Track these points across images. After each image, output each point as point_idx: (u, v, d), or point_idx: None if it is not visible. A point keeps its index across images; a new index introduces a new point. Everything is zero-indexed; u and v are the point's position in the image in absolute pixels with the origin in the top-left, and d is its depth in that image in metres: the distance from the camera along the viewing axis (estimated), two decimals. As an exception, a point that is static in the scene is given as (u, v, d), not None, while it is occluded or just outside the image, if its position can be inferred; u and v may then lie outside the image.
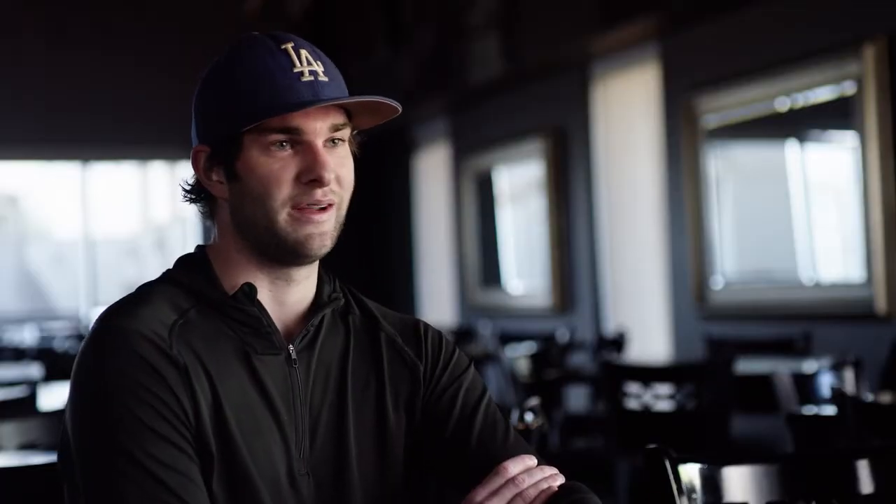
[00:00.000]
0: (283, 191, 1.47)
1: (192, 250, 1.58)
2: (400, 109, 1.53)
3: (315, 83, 1.48)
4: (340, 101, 1.48)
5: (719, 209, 6.55)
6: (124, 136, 10.36)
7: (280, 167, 1.47)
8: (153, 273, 1.57)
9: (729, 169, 6.58)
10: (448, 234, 10.09)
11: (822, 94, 5.73)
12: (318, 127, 1.48)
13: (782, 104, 6.02)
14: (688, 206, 6.68)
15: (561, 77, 7.98)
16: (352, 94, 1.52)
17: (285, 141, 1.48)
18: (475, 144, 9.35)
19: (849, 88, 5.51)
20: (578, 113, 7.85)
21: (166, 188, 11.53)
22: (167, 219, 11.69)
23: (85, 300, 10.79)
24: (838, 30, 5.61)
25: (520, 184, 8.84)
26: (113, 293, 10.25)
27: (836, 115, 5.68)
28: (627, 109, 7.50)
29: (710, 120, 6.51)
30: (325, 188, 1.48)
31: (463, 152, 9.59)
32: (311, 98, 1.46)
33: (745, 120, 6.31)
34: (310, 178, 1.47)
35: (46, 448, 2.47)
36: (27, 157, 10.84)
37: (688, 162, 6.67)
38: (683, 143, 6.69)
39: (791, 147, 6.36)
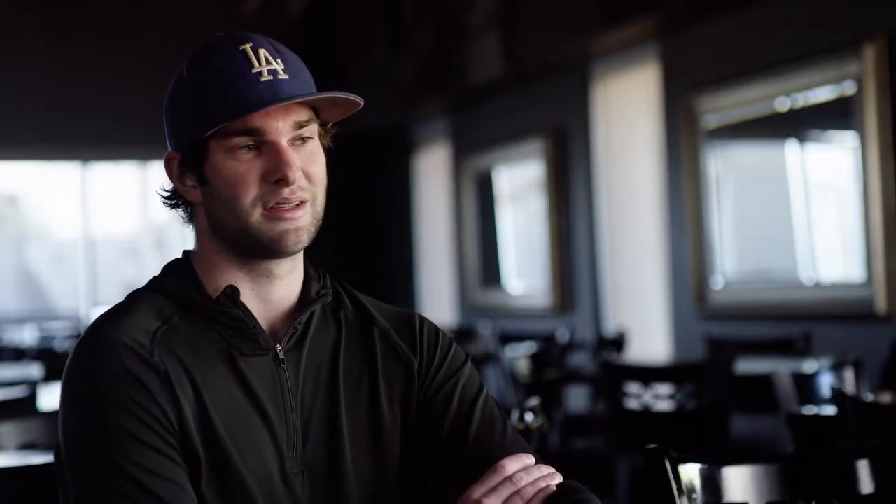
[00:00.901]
0: (251, 192, 1.48)
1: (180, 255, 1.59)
2: (361, 102, 1.52)
3: (274, 82, 1.47)
4: (295, 100, 1.47)
5: (719, 209, 6.55)
6: (124, 136, 10.35)
7: (246, 169, 1.48)
8: (153, 273, 1.58)
9: (729, 169, 6.58)
10: (448, 234, 10.09)
11: (822, 94, 5.73)
12: (281, 126, 1.48)
13: (782, 104, 6.02)
14: (688, 206, 6.68)
15: (561, 77, 7.98)
16: (321, 89, 1.51)
17: (250, 143, 1.48)
18: (475, 144, 9.34)
19: (849, 88, 5.50)
20: (578, 113, 7.85)
21: (166, 188, 11.50)
22: (167, 219, 11.68)
23: (85, 300, 10.79)
24: (838, 30, 5.61)
25: (520, 184, 8.84)
26: (113, 293, 10.25)
27: (836, 115, 5.68)
28: (627, 109, 7.50)
29: (710, 120, 6.50)
30: (293, 186, 1.48)
31: (463, 152, 9.59)
32: (270, 98, 1.46)
33: (745, 120, 6.31)
34: (276, 177, 1.47)
35: (46, 448, 2.47)
36: (27, 157, 10.83)
37: (688, 162, 6.67)
38: (683, 143, 6.69)
39: (791, 147, 6.36)
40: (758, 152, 6.71)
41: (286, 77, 1.48)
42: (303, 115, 1.50)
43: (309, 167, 1.50)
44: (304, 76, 1.51)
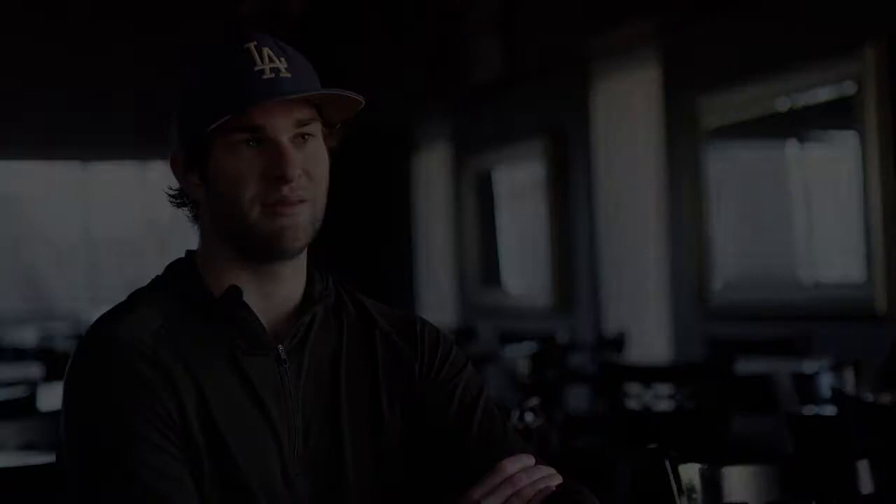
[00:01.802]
0: (251, 189, 1.48)
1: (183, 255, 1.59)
2: (362, 101, 1.52)
3: (276, 80, 1.47)
4: (294, 97, 1.47)
5: (719, 209, 6.55)
6: (124, 136, 10.35)
7: (246, 166, 1.48)
8: (154, 273, 1.58)
9: (729, 169, 6.58)
10: (448, 234, 10.09)
11: (822, 94, 5.73)
12: (282, 123, 1.48)
13: (782, 104, 6.02)
14: (688, 206, 6.68)
15: (561, 77, 7.98)
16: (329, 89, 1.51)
17: (251, 139, 1.48)
18: (475, 144, 9.34)
19: (849, 88, 5.50)
20: (578, 113, 7.85)
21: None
22: (168, 219, 11.68)
23: (85, 300, 10.78)
24: (838, 30, 5.61)
25: (520, 184, 8.83)
26: (113, 293, 10.24)
27: (836, 115, 5.68)
28: (627, 109, 7.50)
29: (711, 120, 6.50)
30: (293, 184, 1.48)
31: (463, 152, 9.59)
32: (271, 94, 1.46)
33: (745, 120, 6.31)
34: (275, 174, 1.47)
35: (46, 448, 2.47)
36: (27, 157, 10.83)
37: (688, 162, 6.67)
38: (684, 143, 6.69)
39: (791, 147, 6.35)
40: (758, 152, 6.70)
41: (289, 75, 1.48)
42: (305, 113, 1.50)
43: (310, 166, 1.50)
44: (307, 75, 1.51)
